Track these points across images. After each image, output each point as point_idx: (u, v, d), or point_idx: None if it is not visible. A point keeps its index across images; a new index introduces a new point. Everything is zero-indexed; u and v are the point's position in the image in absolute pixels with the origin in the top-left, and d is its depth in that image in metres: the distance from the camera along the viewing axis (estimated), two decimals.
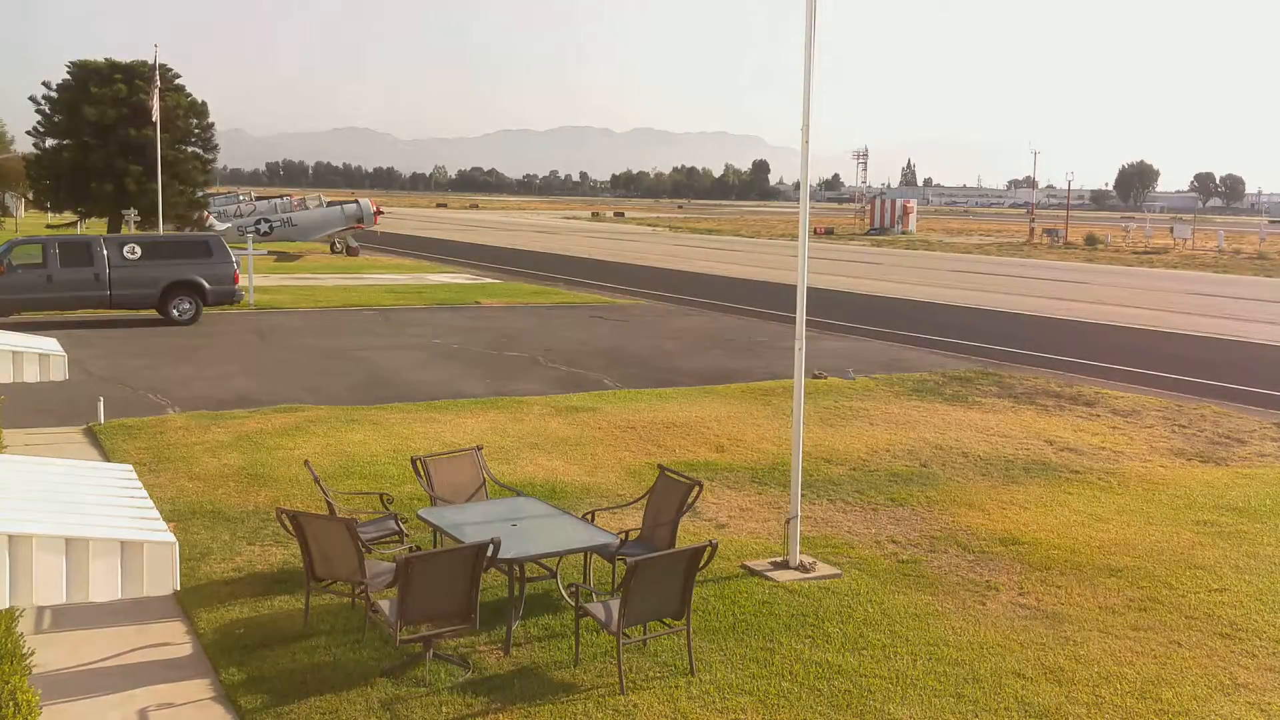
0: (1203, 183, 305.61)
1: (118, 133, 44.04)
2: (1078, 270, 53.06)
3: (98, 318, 26.15)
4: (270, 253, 48.41)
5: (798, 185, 10.51)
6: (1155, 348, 25.61)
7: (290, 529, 8.26)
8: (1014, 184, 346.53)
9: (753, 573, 9.69)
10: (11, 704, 5.64)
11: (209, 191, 52.83)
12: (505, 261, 50.14)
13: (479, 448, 10.33)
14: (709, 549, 7.66)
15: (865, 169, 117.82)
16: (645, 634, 7.99)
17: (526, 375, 19.88)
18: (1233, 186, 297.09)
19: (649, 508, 9.45)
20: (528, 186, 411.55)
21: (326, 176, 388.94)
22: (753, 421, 15.96)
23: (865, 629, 8.54)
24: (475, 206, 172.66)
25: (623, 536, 9.01)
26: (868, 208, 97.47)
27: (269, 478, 12.41)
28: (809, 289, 10.20)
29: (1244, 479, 13.36)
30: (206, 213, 49.07)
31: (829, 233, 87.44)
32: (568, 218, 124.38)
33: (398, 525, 9.33)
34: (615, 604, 7.50)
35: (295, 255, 49.01)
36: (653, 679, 7.59)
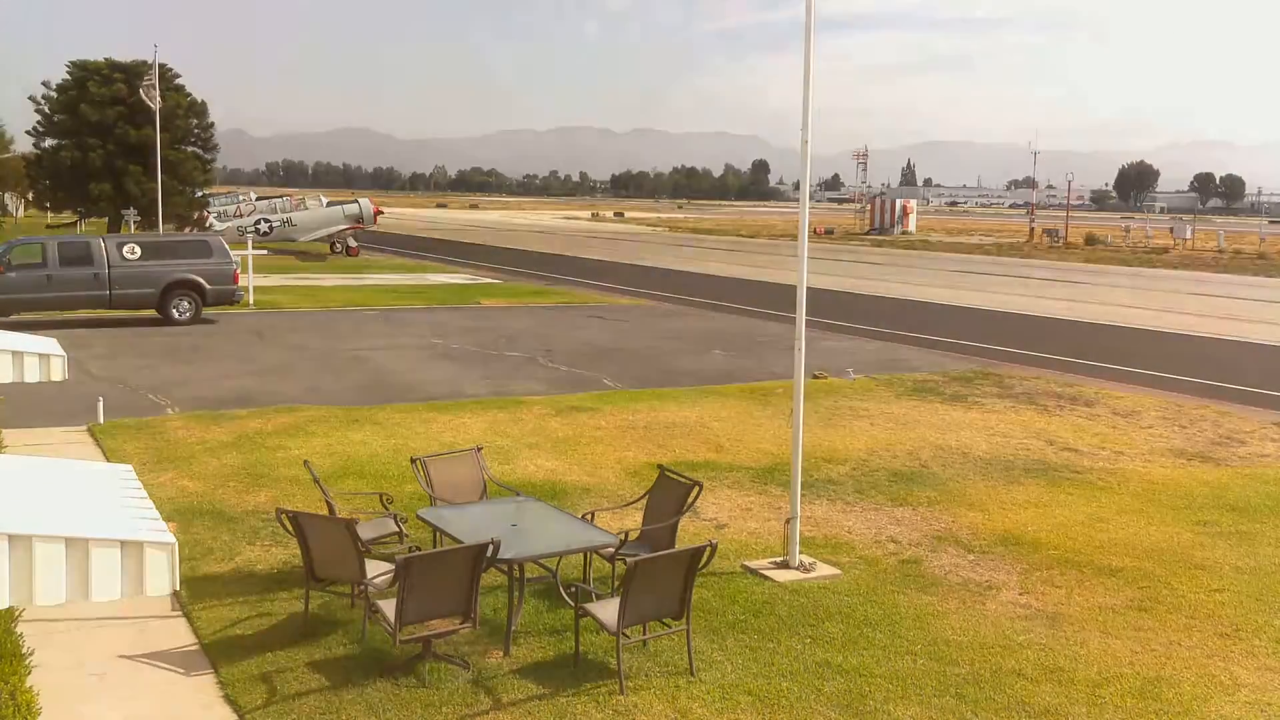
0: (1203, 183, 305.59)
1: (117, 133, 44.05)
2: (1078, 270, 53.07)
3: (98, 318, 26.14)
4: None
5: (798, 185, 10.51)
6: (1155, 348, 25.62)
7: (290, 529, 8.26)
8: (1014, 184, 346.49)
9: (753, 573, 9.69)
10: (11, 704, 5.65)
11: (209, 191, 52.84)
12: (505, 261, 50.16)
13: (479, 448, 10.34)
14: (709, 549, 7.66)
15: (865, 169, 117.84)
16: (645, 634, 7.99)
17: (526, 375, 19.88)
18: (1232, 187, 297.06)
19: (649, 508, 9.45)
20: (528, 186, 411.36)
21: (326, 176, 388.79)
22: (753, 421, 15.96)
23: (865, 629, 8.53)
24: (475, 206, 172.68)
25: (623, 536, 9.00)
26: (868, 208, 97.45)
27: (269, 478, 12.41)
28: (809, 289, 10.20)
29: (1244, 479, 13.36)
30: (206, 212, 49.09)
31: (829, 233, 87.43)
32: (567, 218, 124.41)
33: (398, 525, 9.32)
34: (615, 604, 7.50)
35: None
36: (653, 679, 7.59)
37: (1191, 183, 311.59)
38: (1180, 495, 12.57)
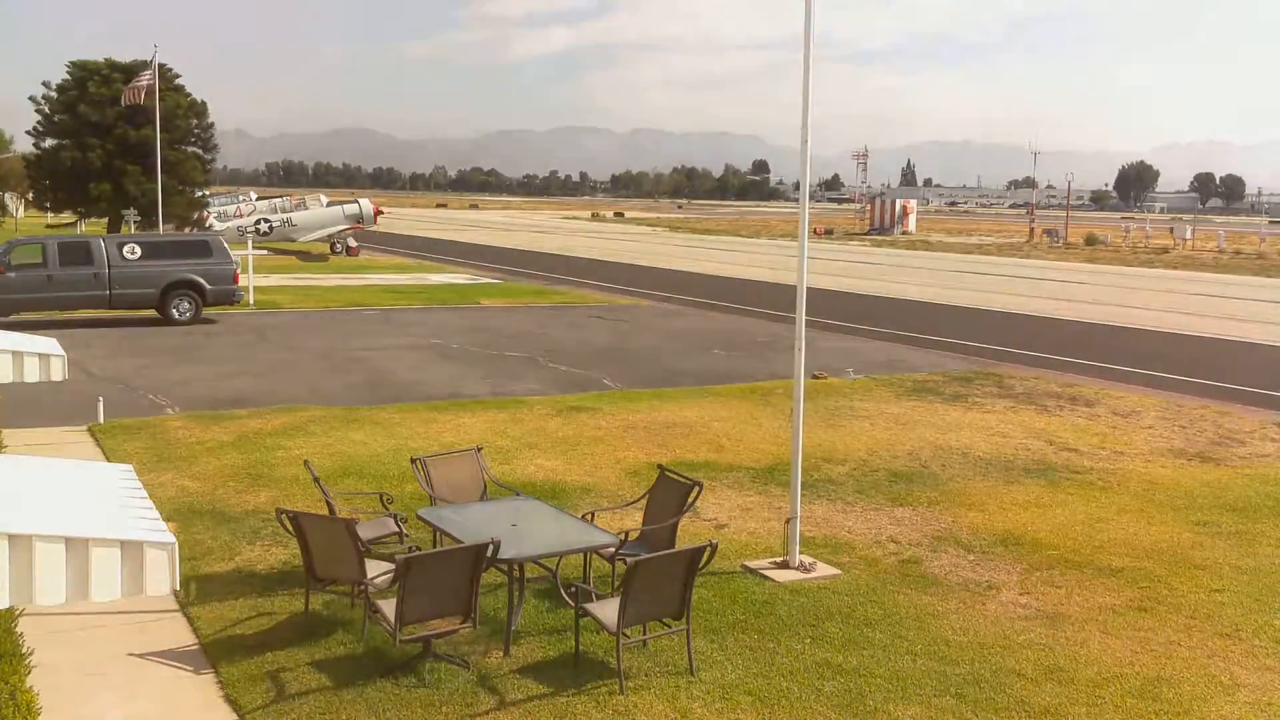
0: (1203, 183, 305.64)
1: (117, 133, 44.03)
2: (1078, 270, 53.06)
3: (98, 318, 26.14)
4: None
5: (798, 185, 10.52)
6: (1155, 348, 25.61)
7: (290, 529, 8.27)
8: (1013, 184, 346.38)
9: (753, 573, 9.69)
10: (11, 704, 5.64)
11: (209, 191, 52.83)
12: (505, 261, 50.16)
13: (479, 448, 10.34)
14: (709, 549, 7.66)
15: (865, 169, 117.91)
16: (645, 634, 7.99)
17: (526, 375, 19.88)
18: (1232, 187, 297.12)
19: (649, 508, 9.45)
20: (527, 186, 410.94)
21: (326, 176, 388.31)
22: (753, 421, 15.96)
23: (865, 629, 8.53)
24: (475, 207, 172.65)
25: (623, 537, 9.00)
26: (867, 208, 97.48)
27: (269, 478, 12.41)
28: (809, 289, 10.20)
29: (1244, 479, 13.36)
30: (206, 212, 49.08)
31: (829, 233, 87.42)
32: (567, 218, 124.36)
33: (398, 525, 9.33)
34: (615, 604, 7.50)
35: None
36: (653, 679, 7.59)
37: (1191, 183, 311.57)
38: (1180, 495, 12.57)
